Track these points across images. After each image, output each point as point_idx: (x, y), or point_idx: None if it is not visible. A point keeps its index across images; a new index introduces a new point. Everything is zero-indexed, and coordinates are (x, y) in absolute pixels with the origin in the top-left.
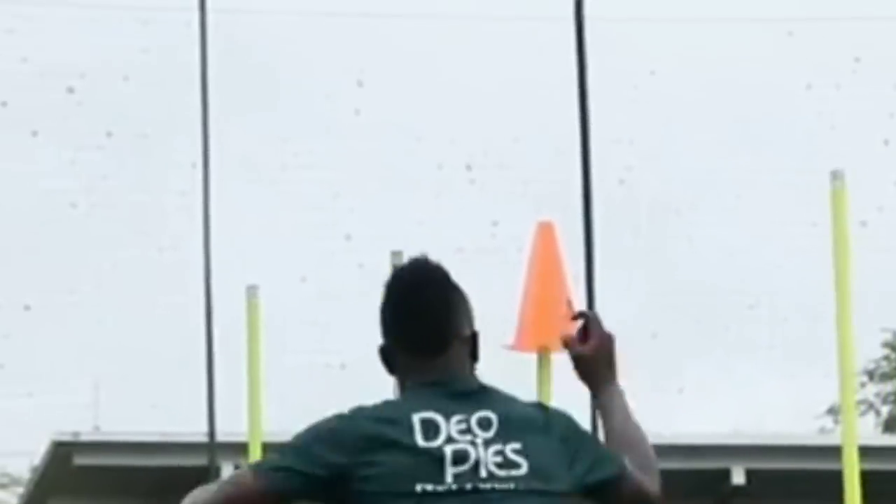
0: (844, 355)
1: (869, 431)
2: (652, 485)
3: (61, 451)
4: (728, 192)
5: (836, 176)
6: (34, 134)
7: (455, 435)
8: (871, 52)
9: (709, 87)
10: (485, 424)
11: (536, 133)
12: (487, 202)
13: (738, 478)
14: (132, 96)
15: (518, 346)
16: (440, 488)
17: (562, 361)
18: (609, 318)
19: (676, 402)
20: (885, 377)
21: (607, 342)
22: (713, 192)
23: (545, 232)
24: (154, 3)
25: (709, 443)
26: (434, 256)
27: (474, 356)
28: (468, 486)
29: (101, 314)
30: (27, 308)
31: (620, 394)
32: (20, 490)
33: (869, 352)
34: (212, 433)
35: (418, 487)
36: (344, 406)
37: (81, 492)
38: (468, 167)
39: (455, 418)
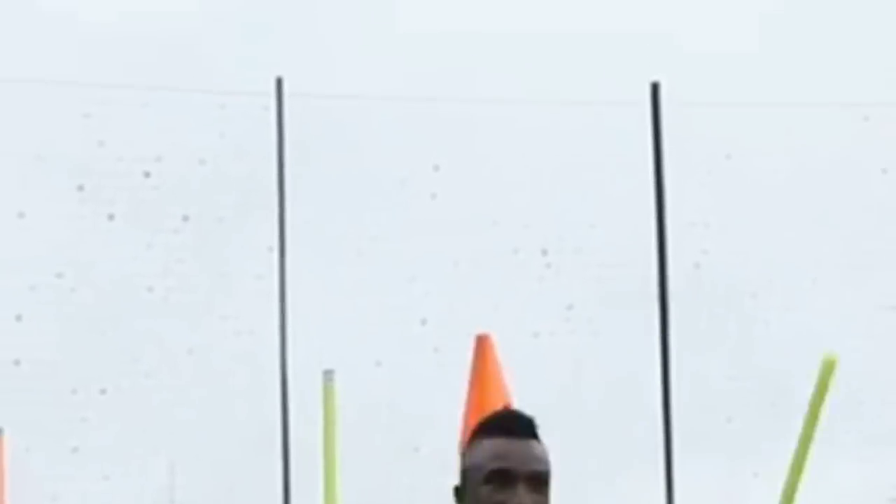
0: None
1: None
2: None
3: None
4: (804, 275)
5: None
6: (110, 218)
7: None
8: None
9: (784, 170)
10: None
11: (612, 217)
12: (563, 287)
13: None
14: (208, 180)
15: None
16: None
17: None
18: (684, 401)
19: (752, 486)
20: None
21: None
22: (789, 276)
23: (483, 344)
24: (231, 87)
25: None
26: (509, 340)
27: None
28: None
29: (177, 398)
30: (103, 392)
31: None
32: None
33: None
34: None
35: None
36: (417, 490)
37: None
38: (544, 252)
39: None
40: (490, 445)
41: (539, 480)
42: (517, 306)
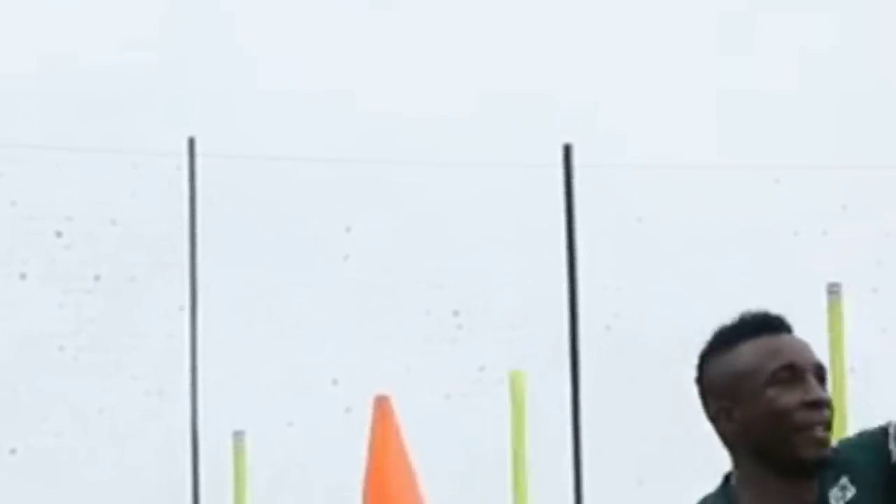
0: None
1: None
2: None
3: None
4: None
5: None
6: (22, 277)
7: None
8: (858, 199)
9: (696, 233)
10: None
11: (524, 279)
12: (474, 348)
13: None
14: (120, 240)
15: None
16: None
17: None
18: (596, 464)
19: None
20: None
21: None
22: (701, 338)
23: (382, 405)
24: (143, 146)
25: None
26: (421, 402)
27: None
28: None
29: (88, 457)
30: (13, 451)
31: None
32: None
33: None
34: None
35: None
36: None
37: None
38: (455, 313)
39: None
40: (759, 345)
41: (823, 374)
42: (429, 367)
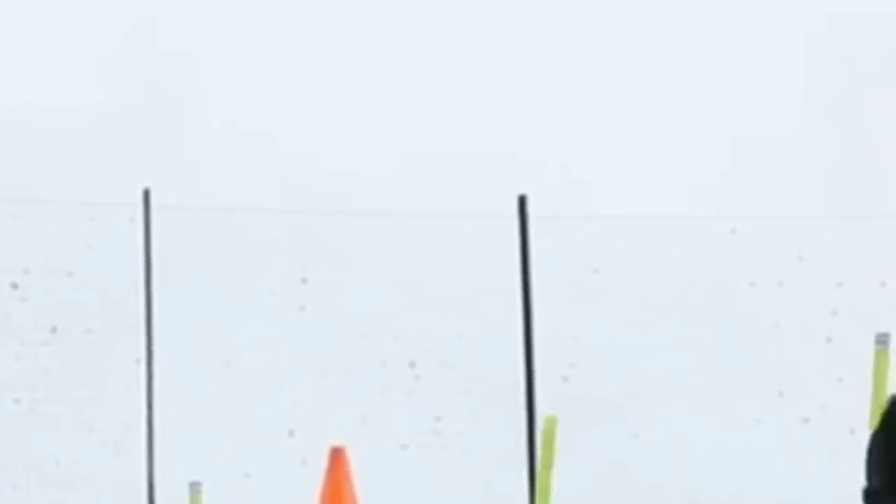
0: None
1: None
2: None
3: None
4: (672, 389)
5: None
6: None
7: None
8: (814, 250)
9: (652, 284)
10: None
11: (480, 330)
12: (431, 399)
13: None
14: (77, 292)
15: None
16: None
17: None
18: None
19: None
20: None
21: None
22: (658, 390)
23: (337, 456)
24: (99, 198)
25: None
26: (378, 453)
27: None
28: None
29: None
30: None
31: None
32: None
33: None
34: None
35: None
36: None
37: None
38: (412, 364)
39: None
40: None
41: None
42: (386, 418)
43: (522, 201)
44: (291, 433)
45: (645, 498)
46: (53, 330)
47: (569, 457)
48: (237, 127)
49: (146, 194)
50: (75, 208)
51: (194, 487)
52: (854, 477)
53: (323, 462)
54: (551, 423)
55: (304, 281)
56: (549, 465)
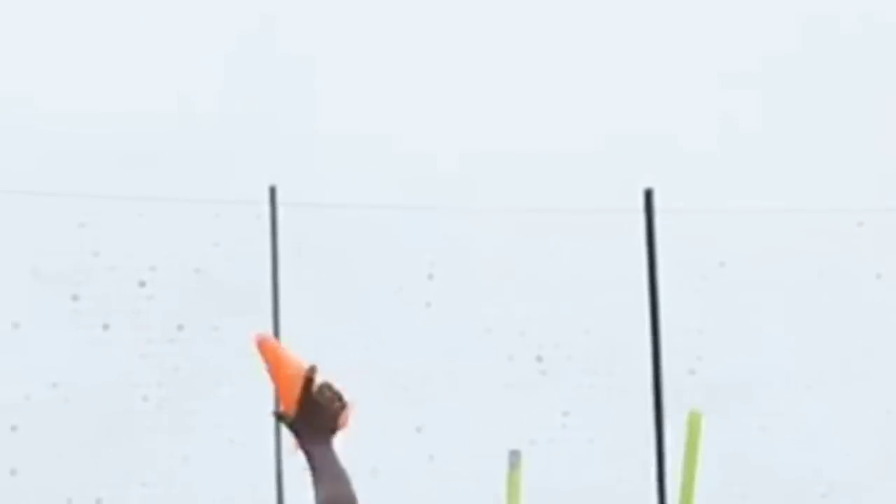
0: None
1: None
2: None
3: None
4: (799, 380)
5: None
6: (105, 328)
7: None
8: None
9: (778, 277)
10: None
11: (607, 324)
12: (558, 393)
13: None
14: (203, 289)
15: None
16: None
17: None
18: None
19: None
20: None
21: (312, 405)
22: (784, 382)
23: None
24: (225, 196)
25: None
26: (507, 448)
27: None
28: None
29: None
30: (98, 501)
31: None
32: None
33: None
34: None
35: None
36: None
37: None
38: (539, 359)
39: None
40: None
41: None
42: (513, 413)
43: (648, 195)
44: (419, 429)
45: (774, 488)
46: (180, 327)
47: None
48: (360, 125)
49: (272, 191)
50: (202, 206)
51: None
52: None
53: (451, 459)
54: (696, 419)
55: (430, 277)
56: (694, 461)
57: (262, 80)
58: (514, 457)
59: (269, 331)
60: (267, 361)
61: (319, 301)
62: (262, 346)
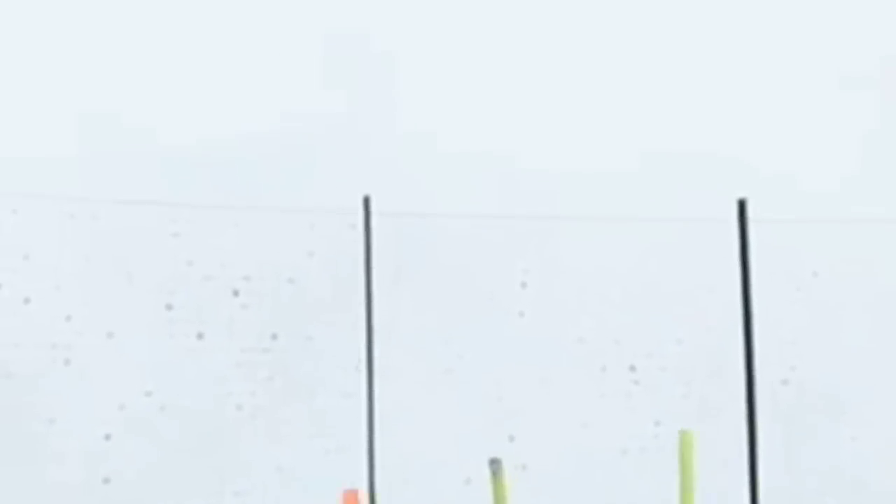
0: None
1: None
2: None
3: None
4: (892, 391)
5: None
6: (200, 336)
7: None
8: None
9: (872, 288)
10: None
11: (700, 334)
12: (651, 403)
13: None
14: (297, 298)
15: None
16: None
17: None
18: None
19: None
20: None
21: None
22: (878, 391)
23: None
24: (319, 205)
25: None
26: (598, 458)
27: None
28: None
29: None
30: None
31: None
32: None
33: None
34: None
35: None
36: None
37: None
38: (632, 368)
39: None
40: None
41: None
42: (606, 423)
43: (742, 205)
44: (512, 438)
45: (866, 499)
46: (274, 336)
47: (790, 459)
48: (453, 136)
49: (366, 201)
50: (296, 216)
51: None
52: None
53: (544, 471)
54: (688, 437)
55: (523, 286)
56: (690, 480)
57: (356, 90)
58: (496, 465)
59: (363, 341)
60: None
61: (413, 311)
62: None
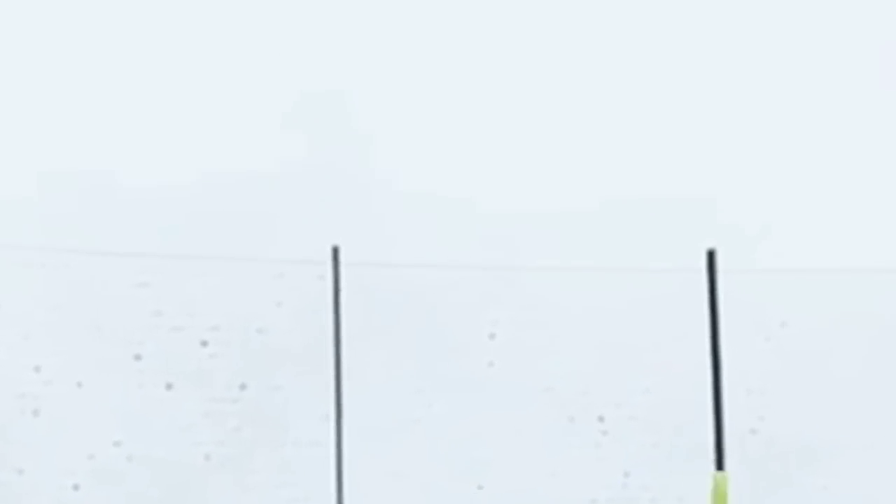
0: None
1: None
2: None
3: None
4: (861, 441)
5: None
6: (168, 387)
7: None
8: None
9: (840, 337)
10: None
11: (669, 384)
12: (619, 453)
13: None
14: (266, 348)
15: None
16: None
17: None
18: None
19: None
20: None
21: None
22: (846, 441)
23: None
24: (287, 255)
25: None
26: None
27: None
28: None
29: None
30: None
31: None
32: None
33: None
34: None
35: None
36: None
37: None
38: (600, 418)
39: None
40: None
41: None
42: (574, 473)
43: (711, 255)
44: (480, 487)
45: None
46: (243, 386)
47: None
48: (422, 186)
49: (335, 251)
50: (265, 266)
51: None
52: None
53: None
54: (722, 481)
55: (492, 336)
56: None
57: (323, 143)
58: None
59: (331, 391)
60: None
61: (381, 360)
62: None
